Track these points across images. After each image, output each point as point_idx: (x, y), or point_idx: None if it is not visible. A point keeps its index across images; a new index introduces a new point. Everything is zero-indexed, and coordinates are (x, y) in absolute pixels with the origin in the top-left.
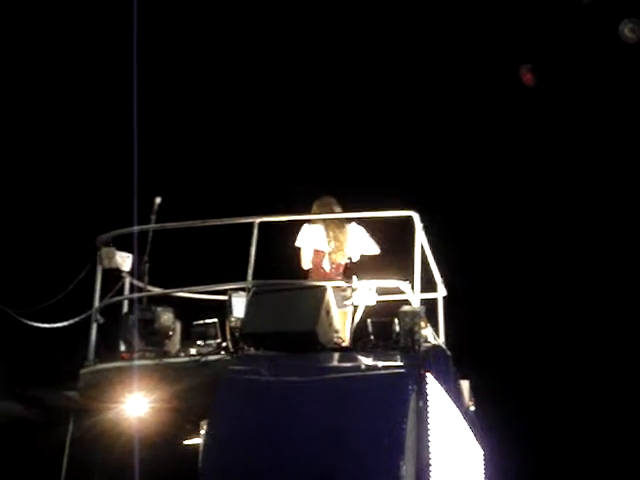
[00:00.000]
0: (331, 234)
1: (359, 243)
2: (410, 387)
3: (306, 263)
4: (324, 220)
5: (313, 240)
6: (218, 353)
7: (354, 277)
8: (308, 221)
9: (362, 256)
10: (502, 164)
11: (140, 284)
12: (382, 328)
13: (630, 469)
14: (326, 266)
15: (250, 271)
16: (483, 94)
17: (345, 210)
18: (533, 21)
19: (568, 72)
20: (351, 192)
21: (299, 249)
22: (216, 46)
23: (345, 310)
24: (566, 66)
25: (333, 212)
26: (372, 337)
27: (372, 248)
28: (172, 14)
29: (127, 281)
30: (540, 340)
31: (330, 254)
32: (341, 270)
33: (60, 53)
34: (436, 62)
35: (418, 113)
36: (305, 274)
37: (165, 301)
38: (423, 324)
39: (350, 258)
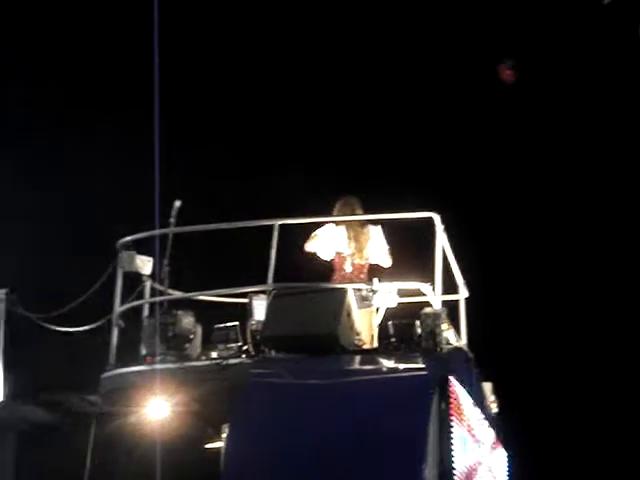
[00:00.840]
0: (352, 235)
1: (378, 246)
2: (432, 389)
3: (310, 247)
4: (346, 221)
5: (334, 241)
6: (239, 356)
7: (375, 279)
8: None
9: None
10: (509, 164)
11: (161, 288)
12: (403, 330)
13: None
14: (347, 268)
15: (270, 274)
16: (470, 92)
17: (366, 211)
18: (514, 18)
19: (549, 69)
20: (372, 194)
21: (314, 236)
22: (230, 47)
23: (367, 310)
24: (547, 63)
25: (355, 213)
26: (394, 339)
27: (384, 259)
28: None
29: (148, 285)
30: (564, 341)
31: (351, 256)
32: (364, 271)
33: (77, 56)
34: (434, 61)
35: (409, 114)
36: (327, 273)
37: (186, 305)
38: (445, 326)
39: (369, 260)
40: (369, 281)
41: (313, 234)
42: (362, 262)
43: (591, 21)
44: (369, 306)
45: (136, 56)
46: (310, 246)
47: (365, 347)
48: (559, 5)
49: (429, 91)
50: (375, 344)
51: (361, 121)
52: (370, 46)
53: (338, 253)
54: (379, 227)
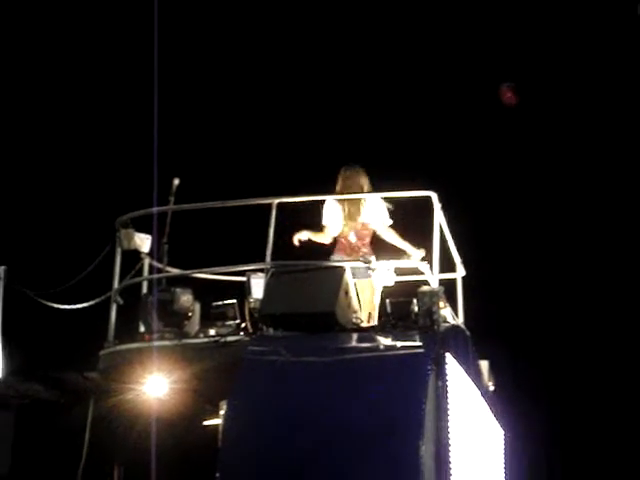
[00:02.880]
0: (346, 204)
1: (375, 212)
2: (429, 367)
3: (328, 239)
4: (341, 193)
5: (336, 215)
6: (237, 334)
7: (373, 257)
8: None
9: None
10: (508, 145)
11: (159, 265)
12: (401, 308)
13: None
14: (352, 238)
15: (268, 252)
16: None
17: (372, 179)
18: (515, 40)
19: (549, 90)
20: (370, 171)
21: (325, 227)
22: (234, 30)
23: (367, 280)
24: (547, 85)
25: (359, 183)
26: (391, 317)
27: (381, 226)
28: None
29: (146, 262)
30: (561, 320)
31: (347, 223)
32: (367, 241)
33: (82, 37)
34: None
35: (408, 100)
36: (331, 246)
37: (184, 282)
38: (442, 304)
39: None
40: (371, 249)
41: (324, 225)
42: (358, 227)
43: (593, 43)
44: (369, 276)
45: (135, 34)
46: (327, 236)
47: (363, 324)
48: (563, 29)
49: (430, 85)
50: (375, 316)
51: (358, 102)
52: (374, 48)
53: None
54: (376, 194)
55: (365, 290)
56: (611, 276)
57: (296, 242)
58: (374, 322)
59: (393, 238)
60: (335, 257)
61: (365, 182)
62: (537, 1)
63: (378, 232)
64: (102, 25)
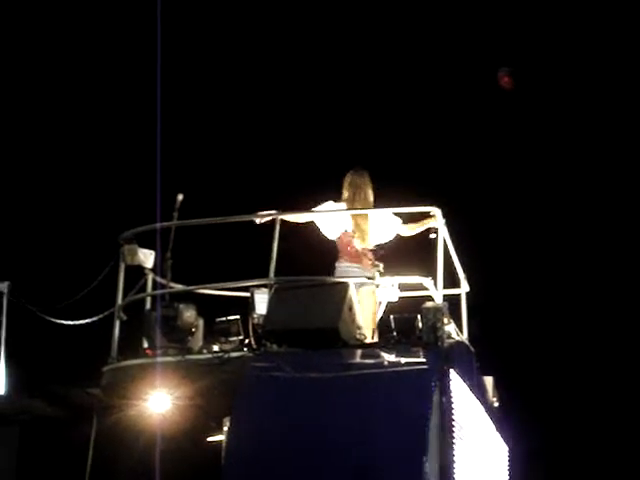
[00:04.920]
0: (356, 220)
1: (380, 228)
2: (433, 383)
3: (302, 219)
4: (350, 202)
5: (340, 220)
6: (241, 350)
7: (377, 274)
8: (334, 198)
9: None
10: (511, 161)
11: (163, 281)
12: (405, 324)
13: None
14: (357, 246)
15: (272, 267)
16: (464, 96)
17: (376, 187)
18: (512, 25)
19: (546, 75)
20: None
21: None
22: (235, 43)
23: (370, 289)
24: (544, 69)
25: (364, 191)
26: (395, 333)
27: (397, 227)
28: (194, 18)
29: (150, 278)
30: (565, 335)
31: (356, 237)
32: (369, 253)
33: (85, 49)
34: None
35: (410, 111)
36: (333, 253)
37: (188, 298)
38: (446, 320)
39: (378, 244)
40: (375, 262)
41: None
42: (365, 246)
43: (588, 30)
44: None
45: (139, 51)
46: (304, 218)
47: (367, 340)
48: (558, 14)
49: (430, 89)
50: (375, 331)
51: (361, 116)
52: (372, 46)
53: (345, 232)
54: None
55: (367, 306)
56: (614, 292)
57: (258, 221)
58: (375, 338)
59: (413, 229)
60: (341, 264)
61: (371, 192)
62: None
63: (401, 234)
64: (103, 40)
